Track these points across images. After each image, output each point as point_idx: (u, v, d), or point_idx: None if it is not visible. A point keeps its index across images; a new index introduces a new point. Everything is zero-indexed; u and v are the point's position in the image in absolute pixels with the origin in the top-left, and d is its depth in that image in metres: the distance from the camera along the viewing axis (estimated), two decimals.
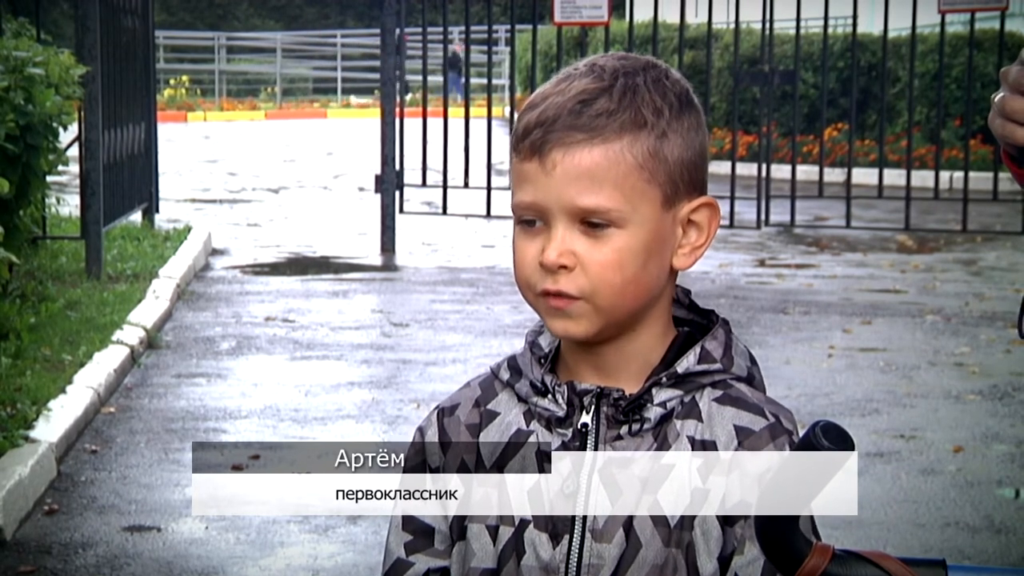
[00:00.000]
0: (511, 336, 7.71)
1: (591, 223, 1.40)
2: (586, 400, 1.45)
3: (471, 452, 1.49)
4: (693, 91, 1.47)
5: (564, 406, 1.45)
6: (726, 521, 1.42)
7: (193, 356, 7.22)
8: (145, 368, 6.93)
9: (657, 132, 1.41)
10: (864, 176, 12.71)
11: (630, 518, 1.42)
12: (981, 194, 11.28)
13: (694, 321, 1.51)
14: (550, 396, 1.46)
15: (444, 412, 1.52)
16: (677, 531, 1.42)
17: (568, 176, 1.39)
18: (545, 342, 1.50)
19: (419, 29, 11.84)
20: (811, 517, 1.43)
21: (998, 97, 1.51)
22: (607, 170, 1.39)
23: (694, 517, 1.42)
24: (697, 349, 1.45)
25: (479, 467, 1.48)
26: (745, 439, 1.42)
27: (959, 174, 12.16)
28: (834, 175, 13.17)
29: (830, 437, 1.16)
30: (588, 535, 1.42)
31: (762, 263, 10.37)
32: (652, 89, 1.42)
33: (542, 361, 1.49)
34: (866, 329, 7.95)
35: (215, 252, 10.71)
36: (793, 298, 8.90)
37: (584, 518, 1.43)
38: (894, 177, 12.12)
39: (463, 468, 1.49)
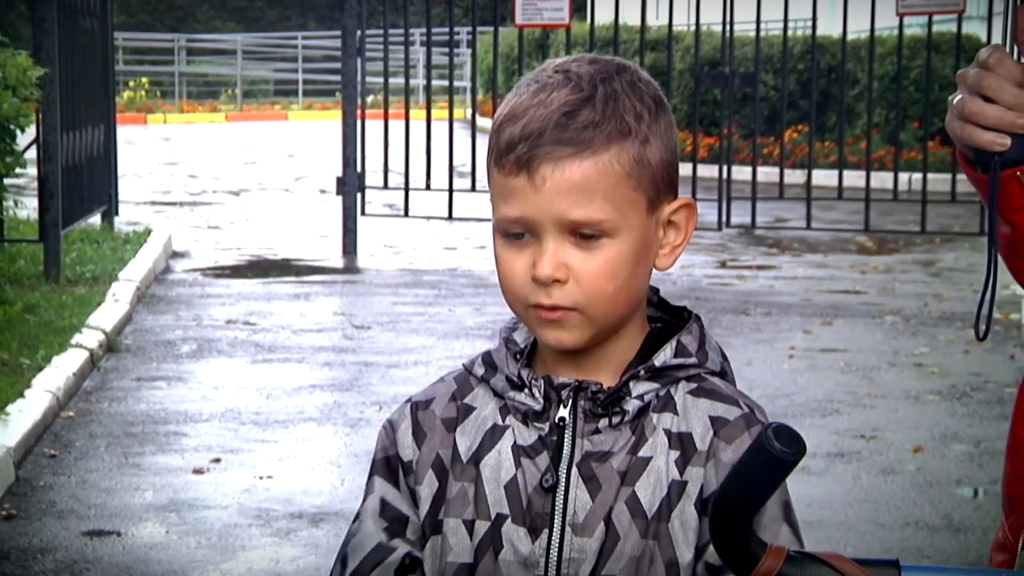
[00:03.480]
0: (473, 338, 7.71)
1: (582, 235, 1.41)
2: (563, 394, 1.45)
3: (447, 446, 1.49)
4: (661, 90, 1.49)
5: (541, 400, 1.46)
6: (703, 511, 1.43)
7: (153, 359, 7.19)
8: (105, 372, 6.89)
9: (640, 138, 1.42)
10: (824, 178, 12.77)
11: (609, 511, 1.43)
12: (939, 195, 11.35)
13: (663, 319, 1.53)
14: (526, 391, 1.47)
15: (418, 406, 1.52)
16: (654, 523, 1.43)
17: (558, 190, 1.40)
18: (520, 338, 1.51)
19: (380, 31, 11.82)
20: (793, 525, 1.44)
21: (956, 99, 1.52)
22: (597, 182, 1.40)
23: (672, 508, 1.43)
24: (673, 343, 1.47)
25: (455, 461, 1.48)
26: (720, 428, 1.44)
27: (918, 176, 12.24)
28: (794, 177, 13.23)
29: (782, 439, 1.17)
30: (568, 529, 1.43)
31: (723, 264, 10.41)
32: (630, 94, 1.43)
33: (518, 356, 1.49)
34: (826, 330, 8.00)
35: (175, 255, 10.66)
36: (754, 299, 8.94)
37: (564, 512, 1.43)
38: (854, 179, 12.18)
39: (438, 462, 1.49)
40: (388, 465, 1.51)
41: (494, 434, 1.47)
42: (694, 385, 1.46)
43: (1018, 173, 1.53)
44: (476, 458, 1.47)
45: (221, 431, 5.91)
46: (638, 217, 1.43)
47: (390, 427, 1.52)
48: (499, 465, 1.46)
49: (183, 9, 40.62)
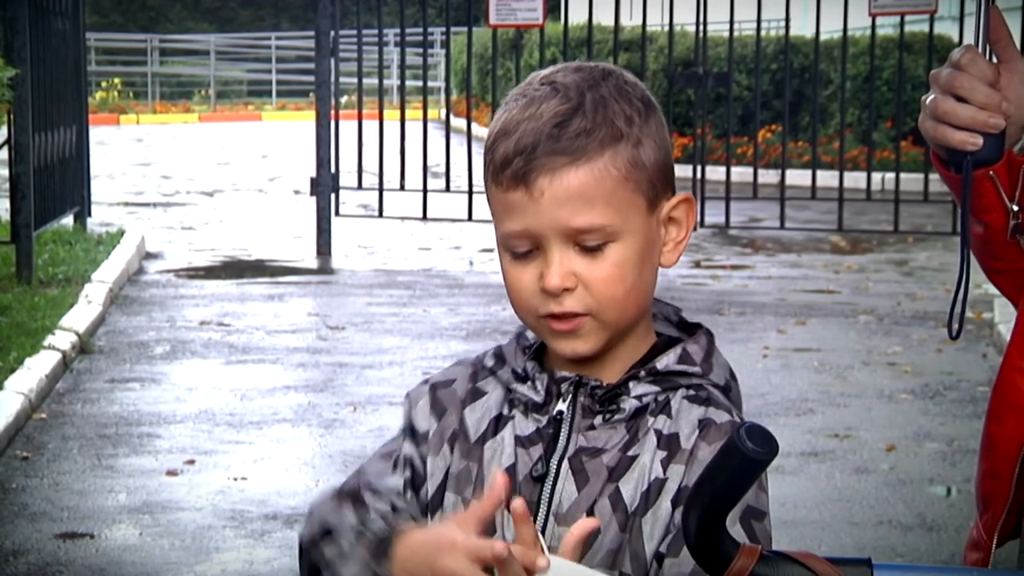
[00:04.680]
0: (448, 338, 7.71)
1: (587, 247, 1.43)
2: (564, 387, 1.48)
3: (460, 422, 1.53)
4: (648, 90, 1.52)
5: (542, 393, 1.49)
6: (674, 504, 1.45)
7: (127, 361, 7.16)
8: (78, 373, 6.86)
9: (633, 141, 1.45)
10: (798, 177, 12.80)
11: (592, 504, 1.45)
12: (912, 195, 11.40)
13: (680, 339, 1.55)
14: (529, 383, 1.50)
15: (437, 386, 1.56)
16: (633, 518, 1.45)
17: (557, 200, 1.42)
18: (532, 335, 1.53)
19: (354, 32, 11.81)
20: (766, 520, 1.45)
21: (929, 99, 1.53)
22: (595, 188, 1.43)
23: (650, 506, 1.45)
24: (678, 349, 1.50)
25: (464, 439, 1.52)
26: (705, 428, 1.46)
27: (891, 175, 12.29)
28: (768, 176, 13.26)
29: (754, 439, 1.17)
30: (551, 518, 1.45)
31: (697, 264, 10.43)
32: (619, 98, 1.46)
33: (527, 351, 1.53)
34: (800, 329, 8.02)
35: (149, 256, 10.62)
36: (728, 299, 8.96)
37: (549, 502, 1.46)
38: (827, 178, 12.22)
39: (453, 437, 1.53)
40: (405, 434, 1.55)
41: (499, 423, 1.51)
42: (693, 393, 1.48)
43: (991, 172, 1.54)
44: (482, 440, 1.51)
45: (195, 432, 5.89)
46: (639, 218, 1.45)
47: (407, 402, 1.56)
48: (501, 450, 1.49)
49: (156, 9, 40.47)
